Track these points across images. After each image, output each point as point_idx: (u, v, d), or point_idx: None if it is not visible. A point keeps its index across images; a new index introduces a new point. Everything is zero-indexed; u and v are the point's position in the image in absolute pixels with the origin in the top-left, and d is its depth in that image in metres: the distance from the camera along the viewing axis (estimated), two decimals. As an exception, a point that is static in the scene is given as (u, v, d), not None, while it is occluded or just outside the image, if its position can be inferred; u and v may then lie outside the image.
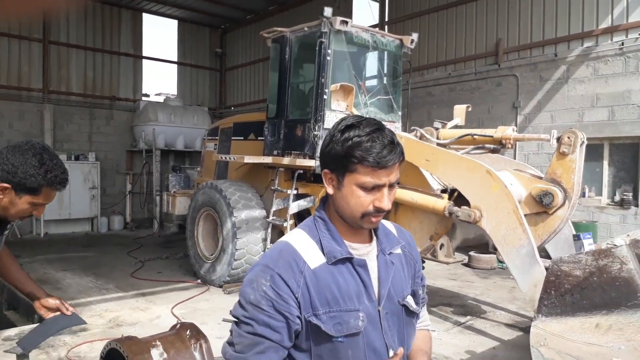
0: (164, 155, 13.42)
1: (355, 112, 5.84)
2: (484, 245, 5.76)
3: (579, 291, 3.53)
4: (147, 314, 5.96)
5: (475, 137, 5.62)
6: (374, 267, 1.49)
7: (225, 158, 7.44)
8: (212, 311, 6.12)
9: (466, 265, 8.56)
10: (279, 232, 6.95)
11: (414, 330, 1.60)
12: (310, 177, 6.88)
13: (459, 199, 5.19)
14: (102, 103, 13.86)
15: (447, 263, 5.32)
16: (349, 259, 1.44)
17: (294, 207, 6.63)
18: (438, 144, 5.77)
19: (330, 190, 1.45)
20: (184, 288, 7.22)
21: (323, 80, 6.36)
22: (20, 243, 11.09)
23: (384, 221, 1.64)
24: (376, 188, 1.39)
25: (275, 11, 13.96)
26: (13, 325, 3.68)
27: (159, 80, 15.43)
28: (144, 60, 14.78)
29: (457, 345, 4.93)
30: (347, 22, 6.30)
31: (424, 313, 1.74)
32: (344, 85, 5.57)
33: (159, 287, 7.25)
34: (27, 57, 12.65)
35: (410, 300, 1.54)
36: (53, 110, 12.84)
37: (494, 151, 5.58)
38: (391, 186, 1.41)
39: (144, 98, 14.53)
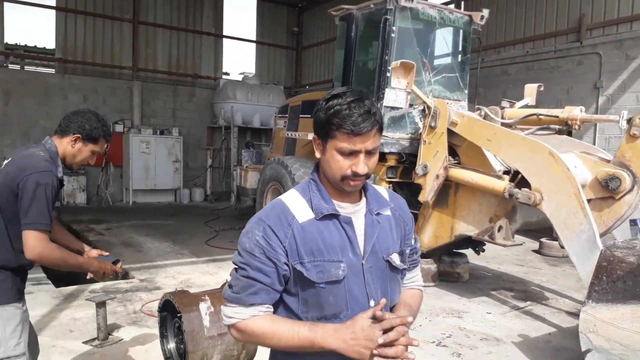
0: (241, 132, 13.98)
1: (417, 90, 5.80)
2: (548, 230, 5.55)
3: (632, 278, 3.39)
4: (215, 277, 6.38)
5: (540, 117, 5.40)
6: (361, 225, 1.62)
7: (291, 135, 7.67)
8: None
9: (536, 251, 8.26)
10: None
11: (398, 286, 1.72)
12: (372, 155, 6.95)
13: (522, 182, 5.06)
14: (185, 80, 14.64)
15: (505, 246, 5.21)
16: (336, 216, 1.58)
17: (355, 184, 6.74)
18: (502, 124, 5.62)
19: (317, 155, 1.60)
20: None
21: (387, 57, 6.36)
22: (112, 210, 12.15)
23: (376, 186, 1.78)
24: (353, 154, 1.51)
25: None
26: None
27: (239, 58, 15.96)
28: (224, 40, 15.36)
29: (511, 328, 4.87)
30: (413, -1, 6.23)
31: (415, 273, 1.86)
32: (405, 63, 5.54)
33: (228, 254, 7.71)
34: (118, 37, 13.61)
35: (394, 258, 1.66)
36: (141, 87, 13.77)
37: (561, 132, 5.34)
38: (369, 153, 1.53)
39: (224, 76, 15.17)
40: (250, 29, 15.95)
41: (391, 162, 6.69)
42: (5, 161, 2.51)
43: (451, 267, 6.59)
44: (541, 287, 6.38)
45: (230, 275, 1.62)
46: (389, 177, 6.73)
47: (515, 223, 5.32)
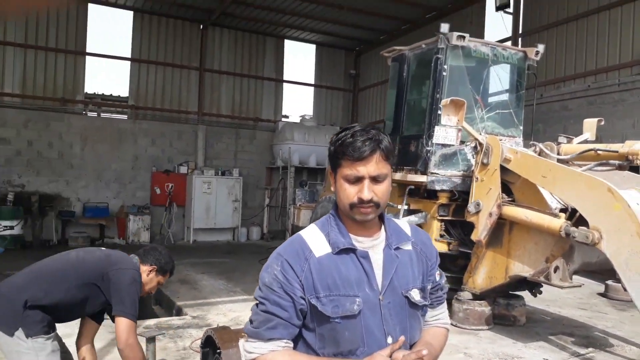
0: (298, 171, 14.24)
1: (468, 127, 5.72)
2: (612, 271, 5.17)
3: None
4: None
5: (599, 152, 5.15)
6: (379, 259, 1.62)
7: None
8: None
9: (602, 295, 7.69)
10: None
11: (418, 323, 1.69)
12: (423, 193, 6.85)
13: (580, 220, 4.79)
14: (247, 124, 15.22)
15: (562, 287, 4.89)
16: (353, 250, 1.60)
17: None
18: (558, 160, 5.40)
19: (332, 188, 1.63)
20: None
21: (438, 95, 6.34)
22: (173, 248, 12.57)
23: (398, 220, 1.78)
24: (359, 180, 1.52)
25: (408, 30, 14.11)
26: (156, 317, 4.25)
27: (298, 101, 16.50)
28: (284, 84, 15.93)
29: (572, 377, 4.52)
30: (464, 37, 6.23)
31: (440, 311, 1.82)
32: (455, 100, 5.50)
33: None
34: (186, 84, 14.45)
35: (414, 293, 1.64)
36: (205, 130, 14.44)
37: (622, 168, 5.04)
38: (375, 180, 1.53)
39: (283, 119, 15.65)
40: (309, 73, 16.48)
41: (443, 199, 6.57)
42: (102, 249, 2.98)
43: (507, 309, 6.26)
44: (605, 332, 5.91)
45: (251, 310, 1.66)
46: (441, 215, 6.59)
47: (573, 263, 5.02)
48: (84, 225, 12.89)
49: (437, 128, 5.98)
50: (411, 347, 1.64)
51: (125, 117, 13.94)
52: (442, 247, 6.53)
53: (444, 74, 6.32)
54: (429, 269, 1.73)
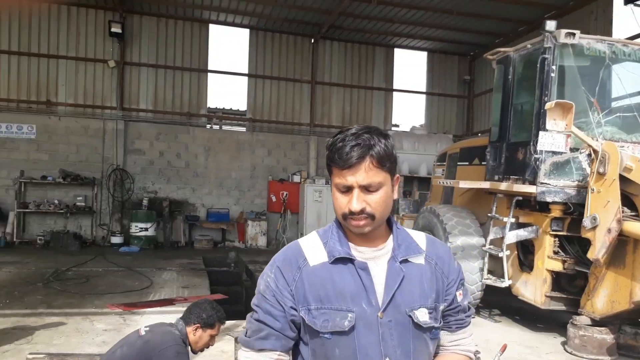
0: (408, 181, 13.98)
1: (578, 132, 5.20)
2: None
3: None
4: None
5: None
6: (382, 272, 1.47)
7: (442, 183, 7.45)
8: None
9: None
10: (496, 262, 6.59)
11: (425, 347, 1.50)
12: (534, 206, 6.35)
13: None
14: (357, 133, 15.31)
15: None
16: (351, 261, 1.46)
17: (511, 236, 6.20)
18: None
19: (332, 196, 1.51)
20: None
21: (546, 99, 5.86)
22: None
23: (413, 231, 1.61)
24: (349, 190, 1.40)
25: (525, 32, 13.24)
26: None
27: (408, 110, 16.21)
28: (394, 93, 15.81)
29: None
30: (574, 34, 5.70)
31: (461, 336, 1.62)
32: (561, 103, 5.04)
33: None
34: (299, 97, 14.99)
35: (420, 313, 1.46)
36: (317, 141, 14.83)
37: None
38: (367, 189, 1.39)
39: (393, 128, 15.51)
40: (420, 81, 16.16)
41: (556, 212, 6.04)
42: (144, 329, 3.09)
43: (635, 339, 5.55)
44: None
45: (247, 318, 1.59)
46: (554, 230, 6.06)
47: None
48: (207, 229, 13.94)
49: (542, 134, 5.52)
50: None
51: (243, 129, 14.82)
52: (556, 265, 6.01)
53: (552, 75, 5.82)
54: (445, 287, 1.55)
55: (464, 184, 6.80)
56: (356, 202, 1.39)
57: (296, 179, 14.43)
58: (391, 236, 1.54)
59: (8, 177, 12.74)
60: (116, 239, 12.92)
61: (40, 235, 12.47)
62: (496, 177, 6.72)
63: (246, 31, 14.56)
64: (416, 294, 1.48)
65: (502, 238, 6.28)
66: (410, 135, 14.09)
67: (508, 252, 6.29)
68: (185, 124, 14.11)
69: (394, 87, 15.80)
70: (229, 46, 14.78)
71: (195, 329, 3.11)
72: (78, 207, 12.96)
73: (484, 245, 6.65)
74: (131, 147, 13.70)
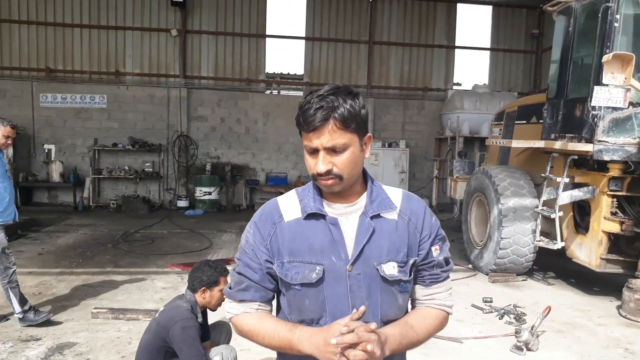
0: (469, 142, 13.56)
1: (637, 85, 4.82)
2: None
3: None
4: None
5: None
6: (352, 228, 1.51)
7: (495, 143, 7.19)
8: (466, 295, 6.14)
9: None
10: (550, 223, 6.34)
11: (394, 299, 1.54)
12: (593, 164, 6.02)
13: None
14: (415, 94, 14.98)
15: None
16: (323, 216, 1.50)
17: (565, 197, 5.93)
18: None
19: None
20: (453, 270, 7.37)
21: (607, 51, 5.44)
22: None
23: (389, 187, 1.62)
24: (315, 152, 1.44)
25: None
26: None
27: (471, 68, 15.51)
28: (456, 50, 15.19)
29: None
30: (639, -21, 5.21)
31: (436, 290, 1.62)
32: (620, 55, 4.68)
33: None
34: (356, 58, 14.78)
35: (387, 267, 1.49)
36: (373, 103, 14.63)
37: None
38: (333, 150, 1.41)
39: (454, 87, 14.99)
40: (484, 37, 15.39)
41: (614, 172, 5.71)
42: (161, 308, 3.24)
43: (697, 305, 5.23)
44: None
45: (230, 271, 1.70)
46: (612, 190, 5.74)
47: None
48: (267, 193, 14.29)
49: (597, 88, 5.15)
50: (386, 324, 1.51)
51: (301, 93, 14.87)
52: (614, 227, 5.71)
53: (615, 25, 5.38)
54: (418, 241, 1.57)
55: (516, 144, 6.54)
56: (321, 164, 1.43)
57: (354, 142, 14.39)
58: (365, 192, 1.56)
59: (83, 145, 13.67)
60: (182, 203, 13.61)
61: (113, 199, 13.36)
62: (552, 136, 6.41)
63: (305, -7, 14.45)
64: (385, 248, 1.51)
65: (556, 199, 6.02)
66: (471, 94, 13.60)
67: (561, 214, 6.04)
68: (244, 90, 14.38)
69: (456, 45, 15.16)
70: (286, 10, 14.70)
71: (203, 292, 3.23)
72: (146, 173, 13.72)
73: (537, 207, 6.41)
74: (194, 114, 14.19)
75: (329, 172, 1.43)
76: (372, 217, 1.51)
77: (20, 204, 12.70)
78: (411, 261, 1.55)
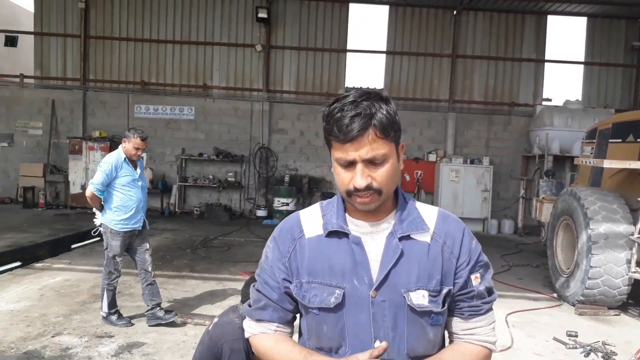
0: (559, 161, 12.77)
1: None
2: None
3: None
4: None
5: None
6: (378, 249, 1.36)
7: (586, 162, 6.66)
8: (548, 327, 5.70)
9: None
10: (648, 254, 5.74)
11: (423, 332, 1.36)
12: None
13: None
14: (501, 109, 14.36)
15: None
16: (346, 234, 1.38)
17: (665, 225, 5.35)
18: None
19: (332, 169, 1.41)
20: (535, 298, 6.91)
21: None
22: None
23: (424, 206, 1.46)
24: (351, 165, 1.29)
25: None
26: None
27: (563, 83, 14.62)
28: (546, 64, 14.41)
29: None
30: None
31: (476, 325, 1.43)
32: None
33: (509, 291, 7.18)
34: (437, 72, 14.47)
35: (416, 296, 1.32)
36: (455, 118, 14.23)
37: None
38: (372, 163, 1.28)
39: (544, 102, 14.20)
40: (577, 50, 14.48)
41: None
42: (215, 319, 3.15)
43: None
44: None
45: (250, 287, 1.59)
46: None
47: None
48: (342, 207, 14.29)
49: None
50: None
51: (380, 107, 14.75)
52: None
53: None
54: (454, 268, 1.39)
55: (609, 164, 6.01)
56: (360, 178, 1.28)
57: (432, 157, 14.07)
58: (394, 210, 1.42)
59: (172, 153, 14.44)
60: (261, 212, 13.96)
61: (197, 206, 13.98)
62: (652, 157, 5.83)
63: (386, 8, 14.40)
64: (414, 274, 1.35)
65: (655, 227, 5.46)
66: (562, 110, 12.85)
67: (661, 244, 5.45)
68: (324, 103, 14.46)
69: (546, 58, 14.38)
70: (367, 25, 14.73)
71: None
72: (229, 182, 14.22)
73: (632, 234, 5.84)
74: (275, 127, 14.54)
75: (368, 187, 1.29)
76: (400, 239, 1.36)
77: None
78: (445, 290, 1.37)
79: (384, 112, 1.29)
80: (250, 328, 1.51)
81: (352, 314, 1.34)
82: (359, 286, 1.34)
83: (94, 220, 5.13)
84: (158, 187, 13.82)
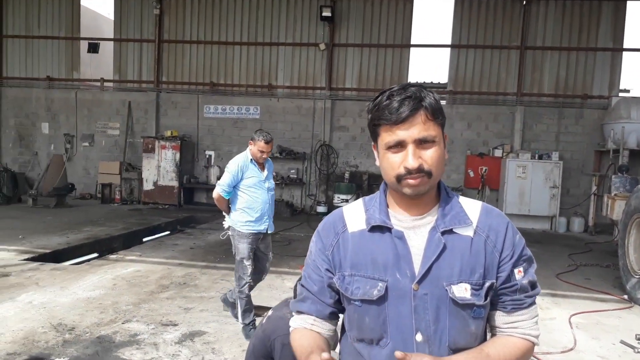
0: (635, 156, 11.99)
1: None
2: None
3: None
4: (544, 313, 5.89)
5: None
6: (420, 243, 1.39)
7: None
8: (615, 329, 5.45)
9: None
10: None
11: (465, 325, 1.38)
12: None
13: None
14: (573, 102, 13.67)
15: None
16: (388, 229, 1.41)
17: None
18: None
19: (377, 162, 1.45)
20: (602, 300, 6.60)
21: None
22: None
23: (467, 200, 1.49)
24: (401, 147, 1.32)
25: None
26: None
27: (644, 72, 13.73)
28: (624, 53, 13.55)
29: None
30: None
31: (518, 318, 1.44)
32: None
33: (575, 292, 6.90)
34: (505, 65, 13.98)
35: (458, 289, 1.35)
36: (523, 111, 13.71)
37: None
38: (423, 143, 1.32)
39: (620, 94, 13.38)
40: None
41: None
42: (269, 312, 3.15)
43: None
44: None
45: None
46: None
47: None
48: (404, 203, 14.21)
49: None
50: (455, 352, 1.37)
51: (444, 102, 14.52)
52: None
53: None
54: (497, 262, 1.40)
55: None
56: (412, 158, 1.31)
57: (497, 153, 13.62)
58: (437, 204, 1.45)
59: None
60: (321, 208, 14.15)
61: (261, 202, 14.39)
62: None
63: (451, 0, 14.11)
64: (456, 268, 1.37)
65: None
66: (640, 102, 12.03)
67: None
68: (386, 99, 14.46)
69: (624, 47, 13.52)
70: (432, 19, 14.53)
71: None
72: (291, 179, 14.54)
73: None
74: (336, 124, 14.68)
75: (419, 168, 1.31)
76: (443, 233, 1.39)
77: (183, 202, 14.38)
78: (488, 284, 1.39)
79: (432, 97, 1.35)
80: (292, 321, 1.58)
81: (394, 307, 1.38)
82: (401, 279, 1.37)
83: (223, 223, 5.13)
84: (225, 183, 14.37)
